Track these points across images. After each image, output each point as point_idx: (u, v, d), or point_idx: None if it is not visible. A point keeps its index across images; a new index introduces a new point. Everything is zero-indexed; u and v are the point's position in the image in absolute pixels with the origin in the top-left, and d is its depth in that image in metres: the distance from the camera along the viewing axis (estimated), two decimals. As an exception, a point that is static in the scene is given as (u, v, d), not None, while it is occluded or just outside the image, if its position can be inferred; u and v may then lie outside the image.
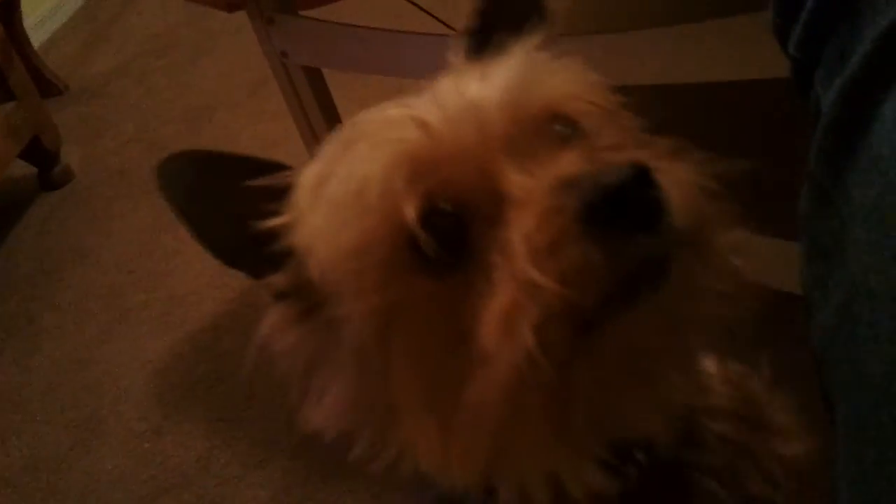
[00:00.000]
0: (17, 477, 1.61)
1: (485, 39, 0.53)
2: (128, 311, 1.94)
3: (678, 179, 0.43)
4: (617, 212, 0.39)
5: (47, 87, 3.00)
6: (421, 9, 1.66)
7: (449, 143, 0.44)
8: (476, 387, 0.43)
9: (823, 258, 0.47)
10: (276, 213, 0.48)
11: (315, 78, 1.51)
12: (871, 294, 0.40)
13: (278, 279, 0.50)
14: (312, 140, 1.58)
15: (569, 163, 0.43)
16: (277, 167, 0.50)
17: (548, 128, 0.47)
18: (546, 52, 0.50)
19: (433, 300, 0.44)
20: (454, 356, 0.44)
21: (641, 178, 0.40)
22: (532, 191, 0.42)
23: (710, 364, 0.57)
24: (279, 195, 0.49)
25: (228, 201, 0.48)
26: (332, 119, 1.55)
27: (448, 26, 1.54)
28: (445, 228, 0.43)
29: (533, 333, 0.40)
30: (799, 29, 0.49)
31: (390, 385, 0.47)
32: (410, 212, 0.42)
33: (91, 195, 2.46)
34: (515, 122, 0.46)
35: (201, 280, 1.94)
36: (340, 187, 0.45)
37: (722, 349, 0.58)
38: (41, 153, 2.47)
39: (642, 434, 0.49)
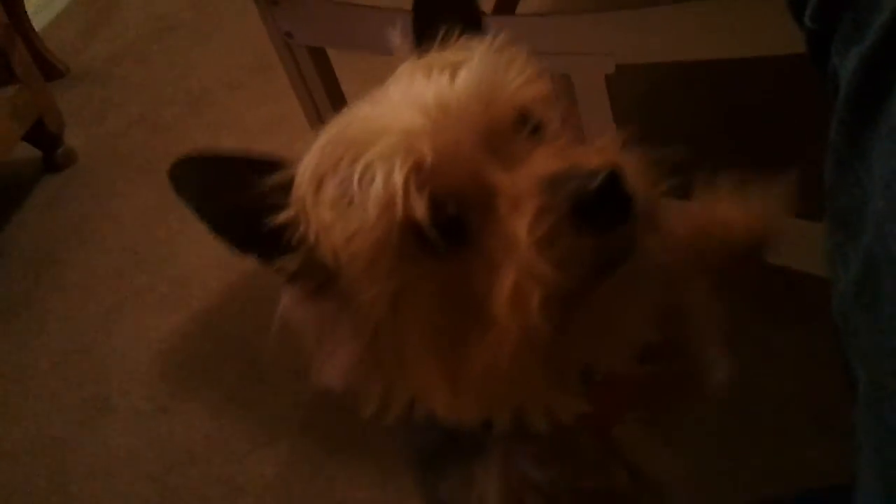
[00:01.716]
0: (24, 455, 1.63)
1: (427, 30, 0.59)
2: (133, 292, 1.95)
3: (635, 172, 0.52)
4: (601, 210, 0.49)
5: (50, 70, 3.00)
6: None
7: (445, 151, 0.51)
8: (487, 344, 0.52)
9: (844, 228, 0.47)
10: (282, 206, 0.54)
11: (320, 58, 1.52)
12: (892, 261, 0.41)
13: (290, 262, 0.55)
14: (317, 120, 1.59)
15: (545, 161, 0.52)
16: (279, 163, 0.56)
17: (517, 125, 0.54)
18: (503, 53, 0.56)
19: (440, 278, 0.52)
20: (460, 321, 0.53)
21: (617, 180, 0.48)
22: (519, 187, 0.51)
23: None
24: (285, 188, 0.55)
25: (239, 197, 0.54)
26: (337, 99, 1.55)
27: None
28: (448, 221, 0.51)
29: (537, 307, 0.49)
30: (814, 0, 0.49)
31: (402, 346, 0.55)
32: (421, 212, 0.50)
33: (94, 177, 2.47)
34: (492, 124, 0.53)
35: (206, 260, 1.95)
36: (351, 190, 0.51)
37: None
38: (45, 136, 2.47)
39: (611, 367, 0.61)
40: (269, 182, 0.54)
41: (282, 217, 0.54)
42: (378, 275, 0.52)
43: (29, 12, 3.02)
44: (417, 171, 0.50)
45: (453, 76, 0.54)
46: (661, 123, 1.82)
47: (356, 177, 0.51)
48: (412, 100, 0.53)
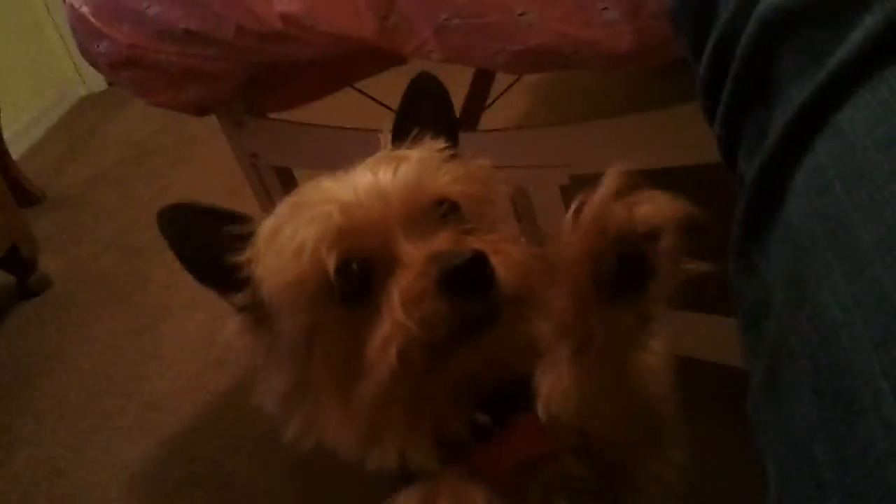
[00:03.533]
0: (-10, 591, 1.58)
1: (405, 132, 0.73)
2: (104, 416, 1.93)
3: (511, 260, 0.63)
4: (461, 282, 0.60)
5: (25, 196, 3.04)
6: (385, 106, 1.70)
7: (360, 220, 0.64)
8: (364, 383, 0.63)
9: (754, 326, 0.49)
10: (241, 251, 0.67)
11: (286, 178, 1.54)
12: (791, 354, 0.43)
13: (240, 297, 0.69)
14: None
15: (440, 241, 0.63)
16: (245, 217, 0.69)
17: (434, 211, 0.66)
18: (440, 153, 0.70)
19: (342, 322, 0.65)
20: (353, 360, 0.64)
21: (479, 261, 0.60)
22: (413, 258, 0.62)
23: None
24: (246, 237, 0.68)
25: (208, 240, 0.67)
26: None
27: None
28: (354, 277, 0.63)
29: (398, 354, 0.61)
30: (721, 109, 0.53)
31: (311, 377, 0.67)
32: (330, 265, 0.62)
33: (69, 302, 2.47)
34: (410, 206, 0.65)
35: (178, 383, 1.93)
36: (286, 242, 0.64)
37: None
38: (19, 262, 2.48)
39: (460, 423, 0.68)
40: (235, 230, 0.67)
41: (240, 257, 0.67)
42: (297, 311, 0.65)
43: (7, 139, 3.07)
44: (332, 234, 0.63)
45: (395, 168, 0.67)
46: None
47: (290, 233, 0.64)
48: (354, 182, 0.66)
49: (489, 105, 1.89)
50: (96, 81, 4.50)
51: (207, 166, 2.92)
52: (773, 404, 0.45)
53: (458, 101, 1.89)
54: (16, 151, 3.33)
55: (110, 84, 4.43)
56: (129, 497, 1.68)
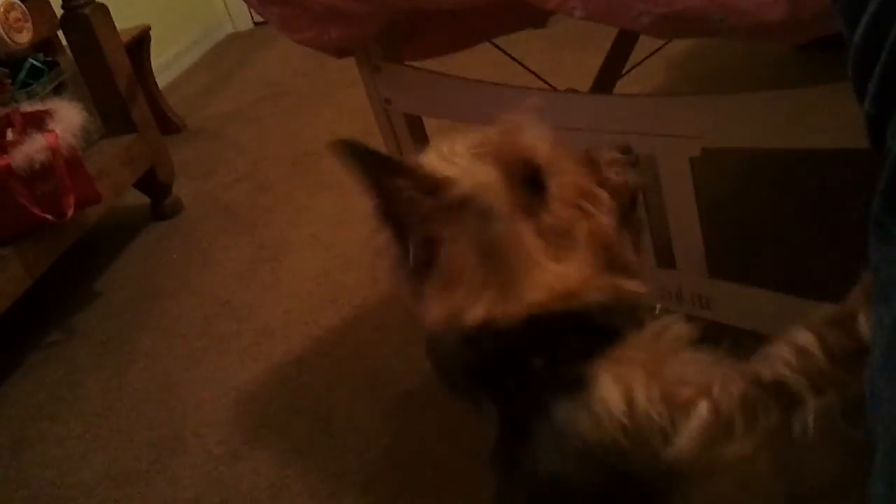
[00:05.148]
0: (96, 486, 1.67)
1: None
2: (219, 339, 2.01)
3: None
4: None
5: (167, 124, 3.16)
6: (521, 65, 1.70)
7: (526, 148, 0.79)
8: (588, 235, 0.78)
9: (884, 300, 0.47)
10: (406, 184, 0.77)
11: (415, 125, 1.56)
12: None
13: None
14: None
15: (577, 154, 0.83)
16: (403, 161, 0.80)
17: None
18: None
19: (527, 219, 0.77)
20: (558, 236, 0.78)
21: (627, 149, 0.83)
22: (567, 165, 0.81)
23: None
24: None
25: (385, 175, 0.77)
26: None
27: (548, 84, 1.57)
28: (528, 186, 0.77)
29: (607, 219, 0.79)
30: (873, 84, 0.50)
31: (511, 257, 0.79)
32: (516, 179, 0.77)
33: (197, 227, 2.57)
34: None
35: (292, 315, 2.00)
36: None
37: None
38: (155, 184, 2.60)
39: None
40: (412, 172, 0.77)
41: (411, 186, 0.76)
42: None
43: (154, 68, 3.19)
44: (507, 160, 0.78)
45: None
46: (749, 210, 1.81)
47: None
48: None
49: (627, 72, 1.87)
50: (243, 20, 4.63)
51: (341, 111, 2.98)
52: (892, 381, 0.44)
53: (596, 62, 1.87)
54: (162, 81, 3.46)
55: (256, 24, 4.54)
56: (234, 417, 1.75)
